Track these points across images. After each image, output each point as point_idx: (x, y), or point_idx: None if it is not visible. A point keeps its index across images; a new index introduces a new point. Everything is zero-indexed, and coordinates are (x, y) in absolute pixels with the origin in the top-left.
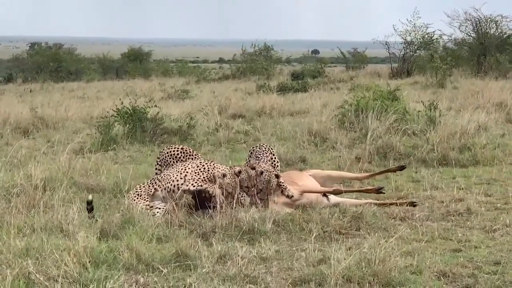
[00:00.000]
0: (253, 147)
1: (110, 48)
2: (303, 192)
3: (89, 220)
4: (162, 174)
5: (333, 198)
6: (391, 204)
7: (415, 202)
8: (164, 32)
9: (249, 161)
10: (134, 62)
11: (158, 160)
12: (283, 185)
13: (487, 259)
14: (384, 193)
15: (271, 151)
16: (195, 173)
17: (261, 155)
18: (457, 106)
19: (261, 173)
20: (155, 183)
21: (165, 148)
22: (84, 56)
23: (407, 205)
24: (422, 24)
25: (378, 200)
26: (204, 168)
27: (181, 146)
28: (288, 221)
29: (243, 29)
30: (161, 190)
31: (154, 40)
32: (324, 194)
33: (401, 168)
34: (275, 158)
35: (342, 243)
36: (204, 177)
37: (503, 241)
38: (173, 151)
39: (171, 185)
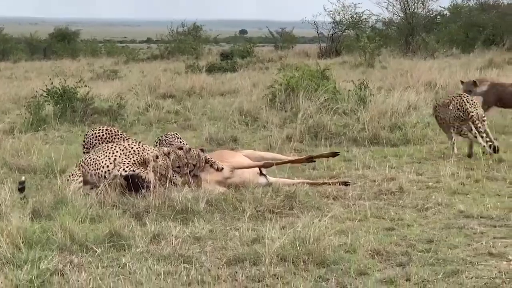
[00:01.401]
0: (159, 137)
1: (37, 28)
2: (234, 168)
3: (21, 200)
4: (89, 158)
5: (271, 178)
6: (324, 183)
7: (348, 182)
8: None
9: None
10: (62, 42)
11: (83, 143)
12: (211, 160)
13: (420, 237)
14: (314, 161)
15: (179, 137)
16: (125, 156)
17: (173, 141)
18: (387, 85)
19: (189, 149)
20: (84, 168)
21: (90, 130)
22: (11, 36)
23: (340, 185)
24: (351, 4)
25: (310, 179)
26: (134, 151)
27: (105, 127)
28: (221, 201)
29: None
30: (90, 175)
31: (81, 19)
32: (261, 173)
33: (334, 154)
34: (185, 143)
35: (275, 222)
36: (134, 160)
37: (435, 219)
38: (98, 132)
39: (101, 171)
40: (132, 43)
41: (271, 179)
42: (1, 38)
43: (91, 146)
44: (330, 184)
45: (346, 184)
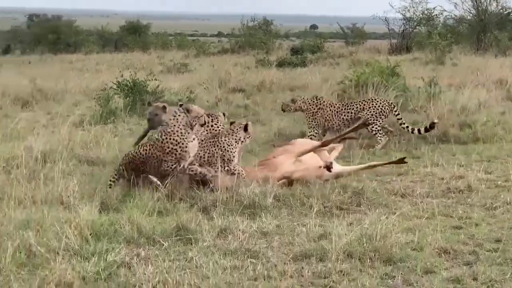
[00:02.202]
0: None
1: (108, 20)
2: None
3: (90, 192)
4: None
5: (335, 168)
6: (385, 164)
7: (405, 160)
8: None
9: None
10: (133, 35)
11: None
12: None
13: (488, 237)
14: (406, 162)
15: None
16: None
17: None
18: (457, 83)
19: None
20: None
21: None
22: (83, 28)
23: (398, 163)
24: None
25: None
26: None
27: None
28: (289, 196)
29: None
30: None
31: (152, 13)
32: (326, 167)
33: (402, 161)
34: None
35: (343, 218)
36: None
37: (504, 218)
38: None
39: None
40: (203, 36)
41: (339, 168)
42: (73, 30)
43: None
44: (389, 164)
45: (403, 161)
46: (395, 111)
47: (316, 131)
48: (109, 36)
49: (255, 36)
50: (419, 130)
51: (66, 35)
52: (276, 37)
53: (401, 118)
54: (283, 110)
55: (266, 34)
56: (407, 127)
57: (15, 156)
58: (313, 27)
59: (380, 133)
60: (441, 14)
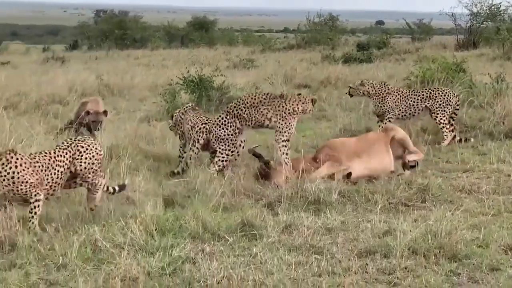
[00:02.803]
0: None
1: (175, 16)
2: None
3: (154, 188)
4: None
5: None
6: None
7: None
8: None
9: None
10: (199, 30)
11: None
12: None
13: None
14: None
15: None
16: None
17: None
18: None
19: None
20: None
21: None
22: (149, 24)
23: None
24: None
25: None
26: None
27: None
28: (354, 192)
29: None
30: None
31: (218, 9)
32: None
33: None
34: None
35: (408, 215)
36: None
37: None
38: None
39: None
40: (269, 32)
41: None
42: (139, 26)
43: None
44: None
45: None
46: (457, 105)
47: (392, 113)
48: (176, 31)
49: (321, 32)
50: (460, 140)
51: (132, 30)
52: (342, 33)
53: (456, 115)
54: (350, 95)
55: (332, 30)
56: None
57: None
58: (379, 22)
59: (446, 127)
60: (508, 9)
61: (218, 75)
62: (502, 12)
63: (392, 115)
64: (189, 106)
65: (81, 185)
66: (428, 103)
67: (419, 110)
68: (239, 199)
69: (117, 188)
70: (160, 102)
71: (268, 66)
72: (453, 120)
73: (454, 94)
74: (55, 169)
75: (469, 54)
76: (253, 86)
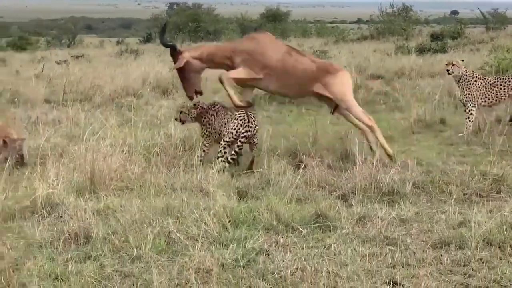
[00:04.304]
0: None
1: (248, 8)
2: None
3: (228, 180)
4: None
5: None
6: None
7: None
8: None
9: None
10: (273, 22)
11: None
12: None
13: None
14: None
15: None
16: None
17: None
18: None
19: None
20: None
21: None
22: (222, 16)
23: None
24: None
25: None
26: None
27: None
28: (428, 183)
29: None
30: None
31: (291, 0)
32: None
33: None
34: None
35: (482, 206)
36: None
37: None
38: None
39: None
40: (342, 23)
41: None
42: (212, 18)
43: None
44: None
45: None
46: None
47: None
48: (249, 23)
49: (395, 23)
50: None
51: (206, 23)
52: (415, 24)
53: None
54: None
55: (405, 21)
56: None
57: (155, 143)
58: (454, 12)
59: None
60: None
61: None
62: None
63: (476, 103)
64: (218, 105)
65: None
66: None
67: (506, 97)
68: (313, 190)
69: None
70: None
71: (342, 57)
72: None
73: None
74: None
75: None
76: None
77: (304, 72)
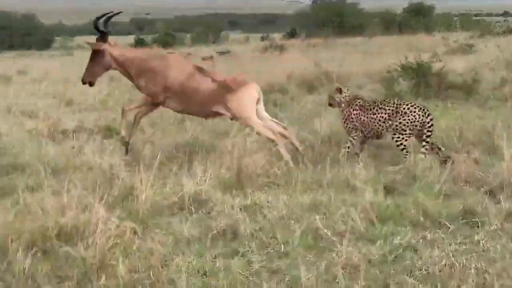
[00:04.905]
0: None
1: (392, 3)
2: None
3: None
4: None
5: None
6: None
7: None
8: None
9: None
10: (417, 16)
11: None
12: None
13: None
14: None
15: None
16: None
17: None
18: None
19: None
20: None
21: None
22: (366, 11)
23: None
24: None
25: None
26: None
27: None
28: None
29: None
30: None
31: None
32: None
33: None
34: None
35: None
36: None
37: None
38: None
39: None
40: (488, 16)
41: None
42: (357, 13)
43: None
44: None
45: None
46: None
47: None
48: (392, 18)
49: None
50: None
51: (349, 18)
52: None
53: None
54: None
55: None
56: None
57: (302, 139)
58: None
59: None
60: None
61: (436, 60)
62: None
63: None
64: (359, 101)
65: None
66: None
67: None
68: (460, 186)
69: None
70: (378, 89)
71: (488, 51)
72: None
73: None
74: None
75: None
76: (472, 72)
77: (203, 93)
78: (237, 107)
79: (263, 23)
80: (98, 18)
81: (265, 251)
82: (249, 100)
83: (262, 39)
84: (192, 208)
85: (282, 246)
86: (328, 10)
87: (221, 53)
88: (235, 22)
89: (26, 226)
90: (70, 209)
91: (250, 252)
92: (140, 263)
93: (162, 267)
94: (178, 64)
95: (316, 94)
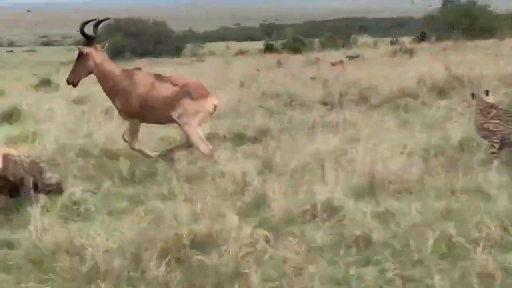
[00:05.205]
0: None
1: None
2: None
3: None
4: None
5: None
6: None
7: None
8: None
9: None
10: None
11: None
12: None
13: None
14: None
15: None
16: None
17: None
18: None
19: None
20: None
21: None
22: (497, 13)
23: None
24: None
25: None
26: None
27: None
28: None
29: None
30: None
31: None
32: None
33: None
34: None
35: None
36: None
37: None
38: None
39: None
40: None
41: None
42: (486, 15)
43: None
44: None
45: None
46: None
47: None
48: None
49: None
50: None
51: (479, 20)
52: None
53: None
54: None
55: None
56: None
57: (434, 145)
58: None
59: None
60: None
61: None
62: None
63: None
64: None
65: None
66: None
67: None
68: None
69: None
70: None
71: None
72: None
73: None
74: None
75: None
76: None
77: (164, 100)
78: (187, 113)
79: (392, 26)
80: (84, 24)
81: (399, 259)
82: (203, 113)
83: (392, 43)
84: (325, 215)
85: (416, 254)
86: (458, 13)
87: (351, 57)
88: (364, 26)
89: (160, 234)
90: (203, 217)
91: (383, 260)
92: (273, 272)
93: (295, 276)
94: (141, 79)
95: (448, 98)
